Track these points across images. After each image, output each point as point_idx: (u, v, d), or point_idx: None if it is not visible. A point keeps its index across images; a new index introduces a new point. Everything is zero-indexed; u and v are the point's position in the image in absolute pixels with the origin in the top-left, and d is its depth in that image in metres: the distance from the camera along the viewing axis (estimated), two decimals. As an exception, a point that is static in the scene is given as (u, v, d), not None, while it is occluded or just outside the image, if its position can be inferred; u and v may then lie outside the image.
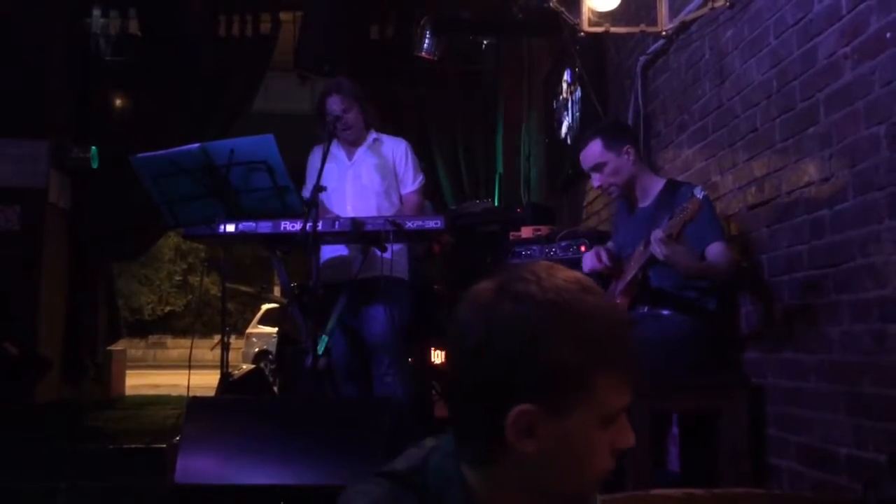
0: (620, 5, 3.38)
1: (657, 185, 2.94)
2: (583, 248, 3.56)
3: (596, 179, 2.98)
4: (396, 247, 3.32)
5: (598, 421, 0.90)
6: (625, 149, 2.91)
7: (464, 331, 0.92)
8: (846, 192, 2.27)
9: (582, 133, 4.22)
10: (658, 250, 2.53)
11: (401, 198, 3.65)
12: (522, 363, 0.88)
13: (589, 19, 3.04)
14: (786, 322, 2.61)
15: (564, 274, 0.94)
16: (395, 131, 4.03)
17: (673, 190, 2.85)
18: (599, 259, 2.88)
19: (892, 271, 2.07)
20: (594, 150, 2.94)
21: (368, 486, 0.94)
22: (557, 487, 0.92)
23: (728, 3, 2.72)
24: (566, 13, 2.98)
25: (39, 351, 6.17)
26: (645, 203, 2.96)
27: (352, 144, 3.67)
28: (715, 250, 2.69)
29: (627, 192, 2.98)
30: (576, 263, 3.51)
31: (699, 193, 2.48)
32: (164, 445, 3.61)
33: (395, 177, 3.63)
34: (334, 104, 3.55)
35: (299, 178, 3.56)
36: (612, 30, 3.24)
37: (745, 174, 2.90)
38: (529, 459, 0.89)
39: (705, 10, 2.94)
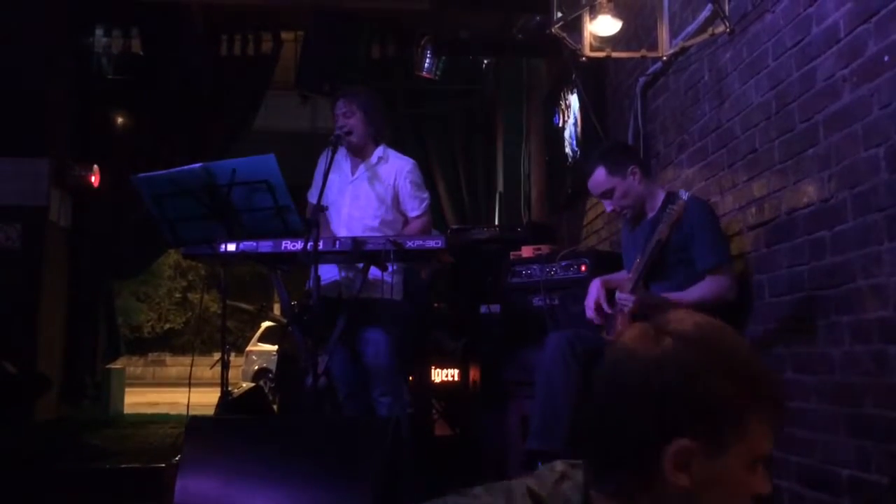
0: (621, 30, 3.40)
1: (660, 197, 2.97)
2: (583, 268, 3.56)
3: (608, 205, 3.01)
4: (393, 267, 3.31)
5: (747, 463, 0.91)
6: (630, 170, 2.92)
7: (622, 369, 0.94)
8: (846, 213, 2.28)
9: (584, 158, 4.24)
10: (630, 302, 2.64)
11: (406, 220, 3.60)
12: (686, 398, 0.90)
13: (590, 44, 3.06)
14: (787, 342, 2.61)
15: (708, 318, 0.98)
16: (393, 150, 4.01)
17: (671, 200, 2.87)
18: (599, 311, 2.89)
19: (892, 292, 2.08)
20: (599, 178, 2.96)
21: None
22: None
23: (728, 30, 2.74)
24: (568, 38, 3.00)
25: (38, 369, 6.15)
26: (649, 216, 2.99)
27: (357, 155, 3.60)
28: (703, 287, 2.72)
29: (640, 210, 3.00)
30: (576, 283, 3.52)
31: (683, 195, 2.53)
32: (164, 465, 3.59)
33: (394, 199, 3.55)
34: (338, 108, 3.55)
35: (300, 197, 3.56)
36: (614, 54, 3.26)
37: (745, 195, 2.91)
38: (676, 494, 0.90)
39: (705, 35, 2.96)
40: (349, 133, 3.50)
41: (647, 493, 0.91)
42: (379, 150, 3.61)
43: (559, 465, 0.99)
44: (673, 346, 0.92)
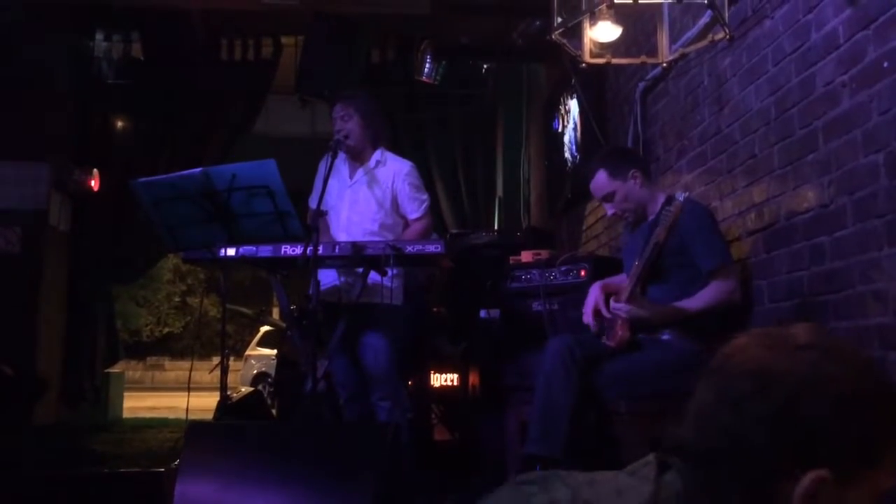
0: (621, 36, 3.41)
1: (660, 201, 2.97)
2: (583, 273, 3.55)
3: (609, 209, 3.01)
4: (392, 272, 3.31)
5: (872, 497, 0.86)
6: (631, 173, 2.93)
7: (757, 387, 0.85)
8: (845, 218, 2.28)
9: (584, 163, 4.24)
10: (623, 311, 2.64)
11: (406, 223, 3.60)
12: (838, 428, 0.83)
13: (590, 51, 3.06)
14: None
15: (833, 336, 0.91)
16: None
17: (669, 203, 2.87)
18: (597, 315, 2.89)
19: (892, 298, 2.08)
20: (601, 182, 2.97)
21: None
22: None
23: (727, 37, 2.75)
24: (567, 45, 3.00)
25: (37, 373, 6.15)
26: (649, 219, 3.00)
27: (356, 160, 3.60)
28: (709, 292, 2.72)
29: (641, 214, 3.00)
30: (576, 288, 3.51)
31: (679, 197, 2.54)
32: (162, 470, 3.59)
33: (393, 202, 3.56)
34: (336, 111, 3.56)
35: (300, 202, 3.56)
36: (614, 61, 3.27)
37: (745, 200, 2.91)
38: None
39: (705, 41, 2.97)
40: (347, 137, 3.50)
41: None
42: (377, 154, 3.60)
43: (652, 464, 0.92)
44: (818, 362, 0.85)
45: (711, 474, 0.87)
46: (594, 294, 2.92)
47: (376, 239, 3.38)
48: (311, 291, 3.10)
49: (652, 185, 3.05)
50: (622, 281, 2.96)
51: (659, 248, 2.69)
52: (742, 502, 0.85)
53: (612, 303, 2.78)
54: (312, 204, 3.49)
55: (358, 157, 3.61)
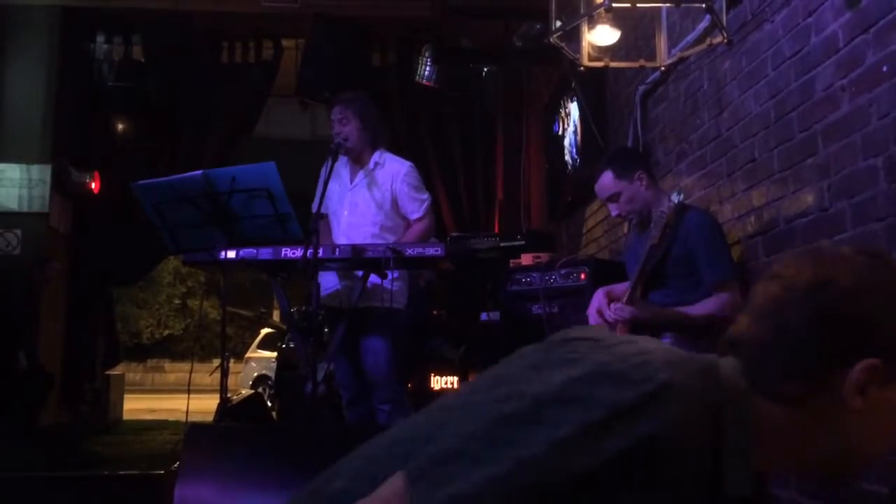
0: (620, 39, 3.41)
1: (666, 203, 2.96)
2: (583, 276, 3.56)
3: (613, 209, 2.98)
4: (394, 275, 3.31)
5: None
6: (637, 175, 2.89)
7: (816, 285, 0.92)
8: (845, 222, 2.28)
9: (584, 166, 4.24)
10: (626, 313, 2.64)
11: (407, 224, 3.60)
12: (885, 322, 0.89)
13: (589, 54, 3.06)
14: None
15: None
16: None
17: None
18: (602, 315, 2.89)
19: (891, 302, 2.08)
20: (606, 182, 2.94)
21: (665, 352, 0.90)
22: (846, 451, 0.92)
23: (726, 41, 2.75)
24: (566, 48, 3.00)
25: (44, 367, 6.16)
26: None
27: (356, 162, 3.61)
28: (709, 304, 2.71)
29: (646, 217, 2.97)
30: (575, 291, 3.52)
31: (675, 198, 2.53)
32: (162, 472, 3.59)
33: (393, 203, 3.55)
34: (334, 114, 3.56)
35: (300, 204, 3.57)
36: (612, 64, 3.27)
37: (745, 203, 2.92)
38: (841, 413, 0.90)
39: (703, 45, 2.97)
40: (346, 139, 3.51)
41: (811, 406, 0.90)
42: (376, 156, 3.60)
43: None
44: (871, 265, 0.93)
45: (766, 365, 0.92)
46: (598, 298, 2.93)
47: (377, 241, 3.38)
48: (311, 294, 3.10)
49: (658, 188, 3.03)
50: (626, 288, 2.97)
51: (654, 249, 2.69)
52: (800, 395, 0.90)
53: (612, 305, 2.79)
54: (315, 208, 3.48)
55: (358, 160, 3.61)
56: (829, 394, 0.89)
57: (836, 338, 0.90)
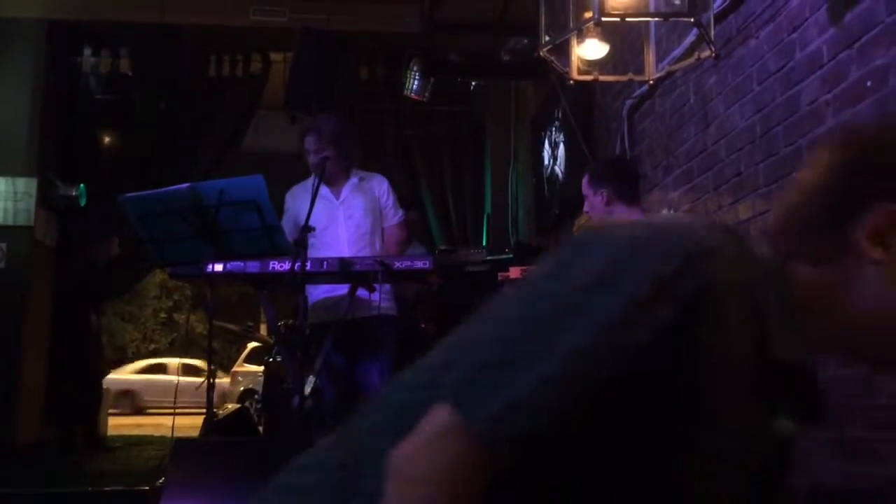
0: (608, 53, 3.44)
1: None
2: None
3: (585, 206, 3.22)
4: (384, 287, 3.32)
5: None
6: (600, 191, 3.11)
7: (838, 143, 0.92)
8: (830, 236, 2.29)
9: (575, 176, 4.27)
10: None
11: (383, 232, 3.70)
12: None
13: (578, 68, 3.09)
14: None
15: None
16: (383, 171, 4.05)
17: None
18: None
19: (876, 315, 2.09)
20: (583, 181, 3.19)
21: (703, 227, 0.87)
22: (878, 312, 0.87)
23: (713, 55, 2.77)
24: (555, 62, 3.03)
25: (21, 387, 6.10)
26: None
27: (333, 184, 3.67)
28: None
29: None
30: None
31: None
32: (147, 488, 3.56)
33: (380, 213, 3.69)
34: (309, 144, 3.61)
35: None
36: (601, 78, 3.30)
37: (731, 217, 2.93)
38: (867, 269, 0.86)
39: (691, 59, 3.00)
40: (323, 168, 3.49)
41: (842, 267, 0.87)
42: (356, 174, 3.75)
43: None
44: (887, 122, 0.95)
45: (789, 227, 0.91)
46: None
47: (377, 243, 3.61)
48: (299, 307, 3.09)
49: (629, 208, 3.09)
50: None
51: None
52: (821, 250, 0.88)
53: None
54: (285, 226, 3.42)
55: (336, 182, 3.67)
56: (854, 250, 0.86)
57: (849, 186, 0.88)
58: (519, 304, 0.83)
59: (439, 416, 0.77)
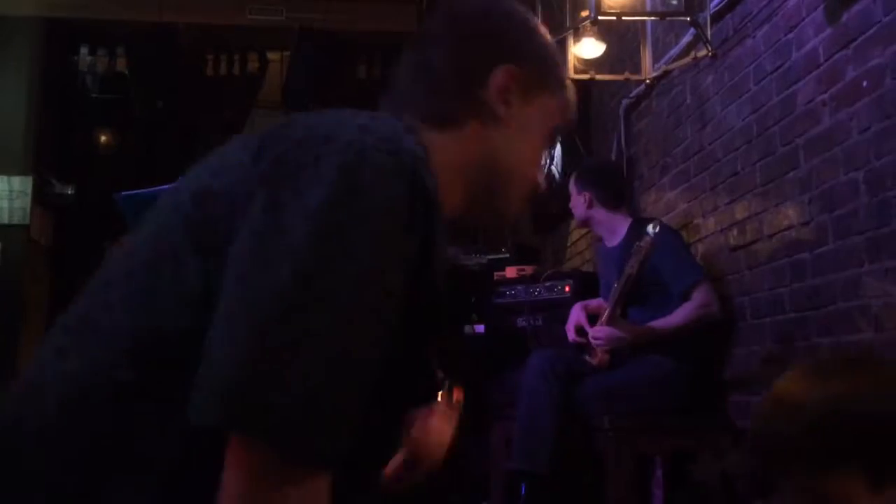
0: (605, 53, 3.44)
1: (624, 225, 3.04)
2: (567, 289, 3.58)
3: (570, 203, 3.27)
4: None
5: (547, 127, 1.01)
6: (584, 192, 3.12)
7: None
8: (826, 235, 2.30)
9: (568, 180, 4.27)
10: (601, 340, 2.71)
11: None
12: (514, 36, 1.00)
13: (574, 66, 3.10)
14: (768, 365, 2.62)
15: None
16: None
17: (638, 228, 2.90)
18: (578, 333, 2.97)
19: (872, 315, 2.09)
20: (571, 180, 3.25)
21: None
22: (494, 166, 0.97)
23: (710, 54, 2.78)
24: (552, 61, 3.03)
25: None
26: (613, 243, 3.09)
27: None
28: (686, 309, 2.76)
29: (595, 232, 3.17)
30: (559, 304, 3.52)
31: (651, 232, 2.58)
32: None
33: None
34: None
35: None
36: (598, 77, 3.32)
37: (727, 217, 2.93)
38: (493, 129, 0.96)
39: (688, 59, 3.00)
40: None
41: (473, 127, 0.96)
42: None
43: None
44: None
45: (415, 93, 1.02)
46: (576, 313, 3.00)
47: None
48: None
49: (612, 213, 3.11)
50: (600, 302, 3.05)
51: (632, 279, 2.73)
52: (452, 110, 0.97)
53: (591, 330, 2.85)
54: None
55: None
56: (482, 111, 0.96)
57: (469, 51, 0.98)
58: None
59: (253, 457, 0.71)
